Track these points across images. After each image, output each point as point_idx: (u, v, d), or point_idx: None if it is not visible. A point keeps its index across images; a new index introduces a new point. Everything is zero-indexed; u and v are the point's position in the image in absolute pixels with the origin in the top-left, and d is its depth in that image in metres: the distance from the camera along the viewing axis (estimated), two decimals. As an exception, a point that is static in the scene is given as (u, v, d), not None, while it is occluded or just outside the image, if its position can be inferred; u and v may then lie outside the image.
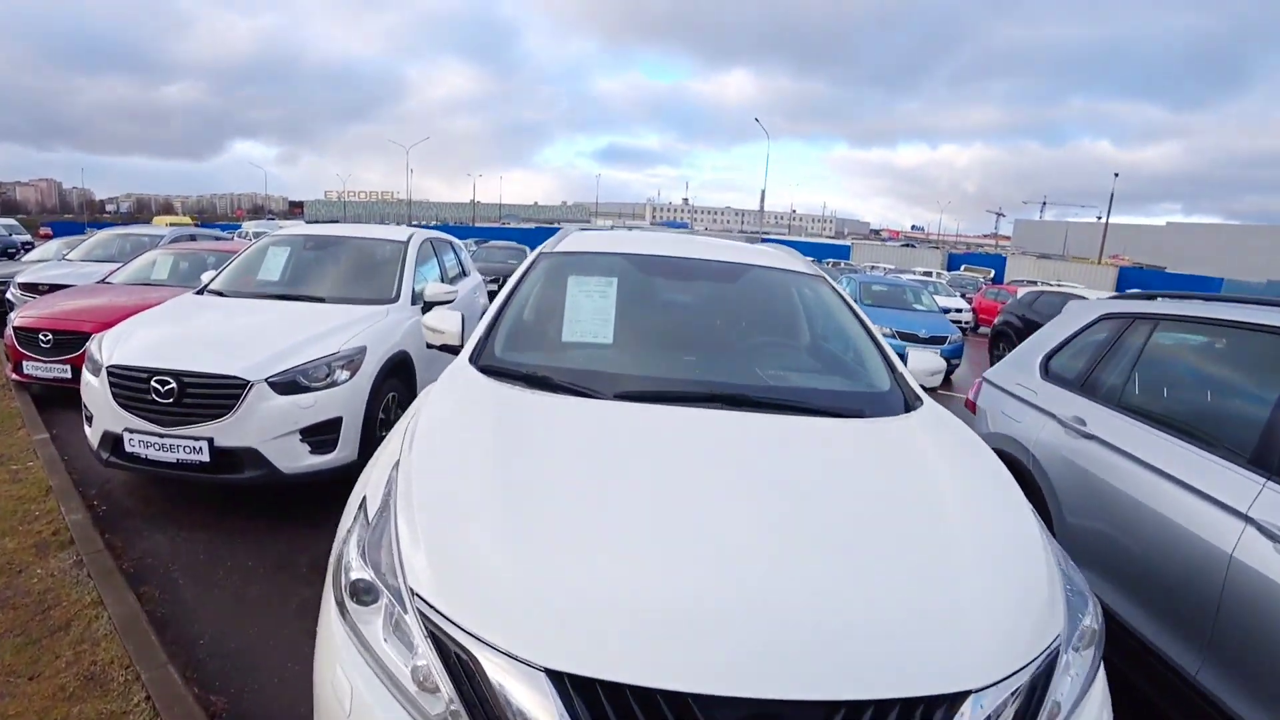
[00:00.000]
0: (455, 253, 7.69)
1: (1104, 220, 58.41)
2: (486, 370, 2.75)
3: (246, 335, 4.57)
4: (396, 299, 5.52)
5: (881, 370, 3.09)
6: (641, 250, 3.76)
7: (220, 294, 5.61)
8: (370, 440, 4.59)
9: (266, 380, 4.17)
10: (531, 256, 3.69)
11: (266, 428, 4.14)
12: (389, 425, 4.97)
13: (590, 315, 3.19)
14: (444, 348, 3.24)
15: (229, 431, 4.09)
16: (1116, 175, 54.06)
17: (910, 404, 2.80)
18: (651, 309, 3.52)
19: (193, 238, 12.29)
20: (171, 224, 23.34)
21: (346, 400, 4.42)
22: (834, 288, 3.76)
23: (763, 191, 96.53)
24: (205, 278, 5.95)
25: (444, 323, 3.25)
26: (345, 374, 4.45)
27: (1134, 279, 44.17)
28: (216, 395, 4.10)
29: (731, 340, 3.39)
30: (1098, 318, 4.54)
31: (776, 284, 3.76)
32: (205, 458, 4.09)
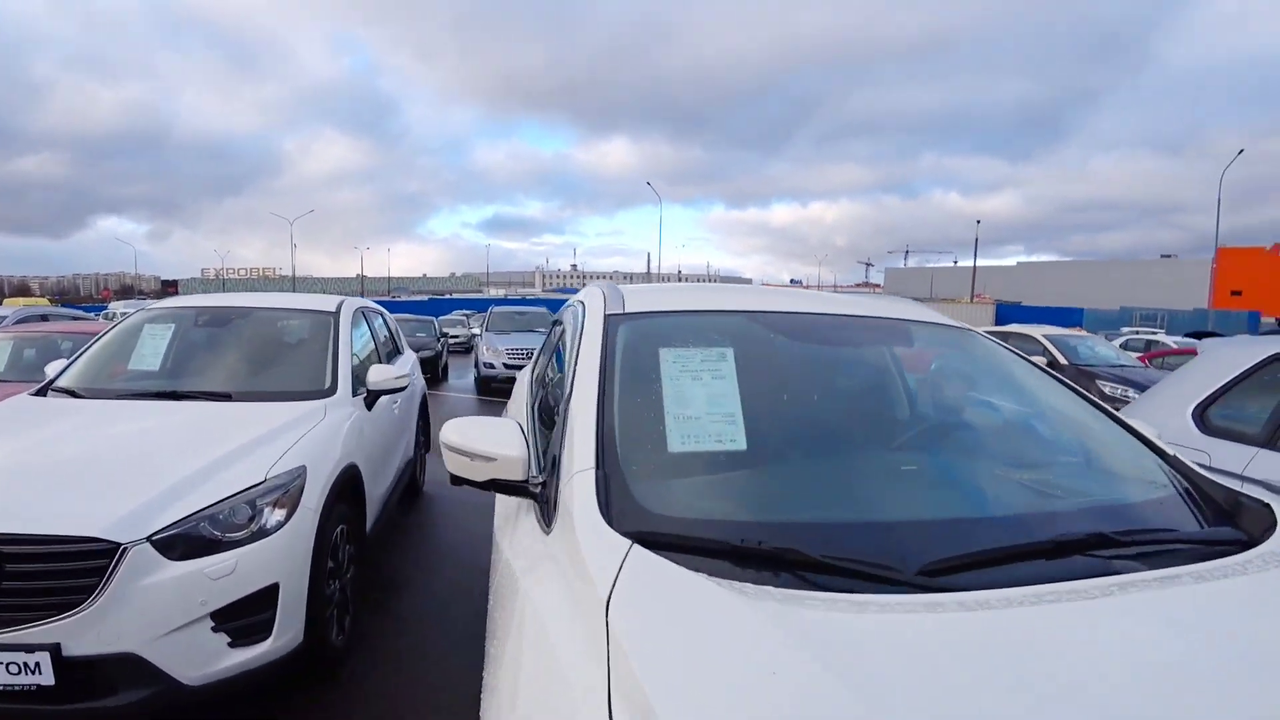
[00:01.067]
0: (386, 323, 6.14)
1: (969, 264, 61.74)
2: (648, 543, 1.40)
3: (113, 462, 2.90)
4: (333, 390, 3.95)
5: (1149, 463, 1.96)
6: (744, 305, 2.48)
7: (73, 393, 3.85)
8: (322, 611, 3.02)
9: (150, 539, 2.52)
10: (587, 322, 2.32)
11: (154, 618, 2.48)
12: (341, 577, 3.37)
13: (707, 406, 1.87)
14: (494, 485, 1.83)
15: (87, 631, 2.40)
16: (979, 222, 57.42)
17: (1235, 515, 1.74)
18: (798, 388, 2.23)
19: (44, 318, 10.11)
20: (25, 305, 19.92)
21: (284, 556, 2.82)
22: (994, 342, 2.55)
23: (649, 255, 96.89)
24: (51, 370, 4.15)
25: (495, 439, 1.84)
26: (279, 514, 2.85)
27: (1007, 314, 46.61)
28: (64, 572, 2.43)
29: (926, 431, 2.16)
30: (1269, 358, 3.62)
31: (934, 343, 2.54)
32: (46, 679, 2.40)
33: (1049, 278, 75.64)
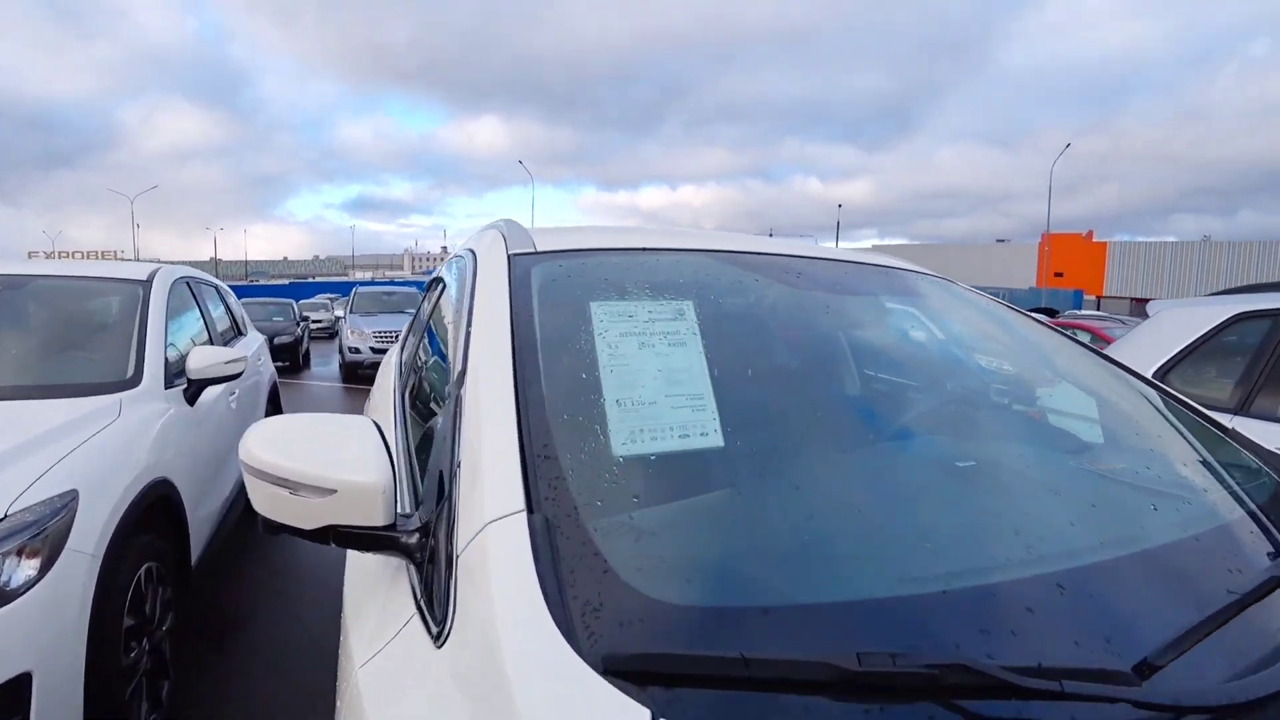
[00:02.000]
0: (223, 299, 5.03)
1: (836, 246, 64.05)
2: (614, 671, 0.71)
3: None
4: (136, 381, 2.94)
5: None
6: (702, 244, 1.79)
7: None
8: (117, 692, 2.11)
9: None
10: (484, 270, 1.54)
11: None
12: (151, 634, 2.43)
13: (659, 386, 1.16)
14: (335, 535, 1.04)
15: None
16: (840, 206, 59.22)
17: None
18: (774, 362, 1.57)
19: None
20: None
21: (38, 628, 1.87)
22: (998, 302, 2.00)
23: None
24: None
25: (335, 453, 1.06)
26: (28, 567, 1.90)
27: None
28: None
29: (997, 419, 1.56)
30: (1231, 318, 3.29)
31: (942, 304, 1.93)
32: None
33: (911, 260, 79.70)
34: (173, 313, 3.58)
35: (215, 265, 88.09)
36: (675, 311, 1.33)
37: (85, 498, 2.10)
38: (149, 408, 2.83)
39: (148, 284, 3.49)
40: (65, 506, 2.03)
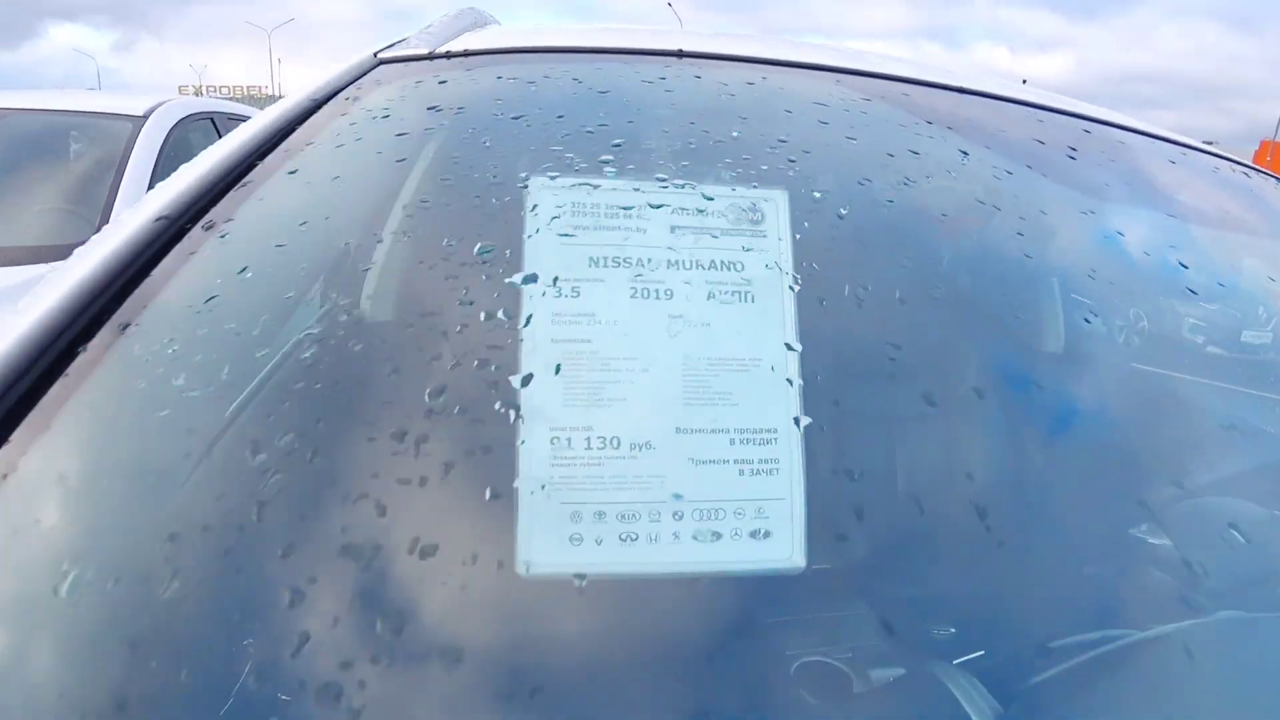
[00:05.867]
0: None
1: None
2: None
3: None
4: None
5: None
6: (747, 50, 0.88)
7: None
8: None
9: None
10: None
11: None
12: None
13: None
14: None
15: None
16: (1025, 82, 52.98)
17: None
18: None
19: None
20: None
21: None
22: None
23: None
24: None
25: None
26: None
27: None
28: None
29: None
30: None
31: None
32: None
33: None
34: (176, 162, 2.97)
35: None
36: (739, 214, 0.52)
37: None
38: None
39: (139, 122, 2.87)
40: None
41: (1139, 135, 0.95)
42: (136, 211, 0.59)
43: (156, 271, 0.54)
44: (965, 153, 0.72)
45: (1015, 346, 0.65)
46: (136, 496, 0.47)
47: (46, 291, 0.51)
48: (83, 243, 0.61)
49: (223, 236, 0.57)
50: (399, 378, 0.51)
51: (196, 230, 0.56)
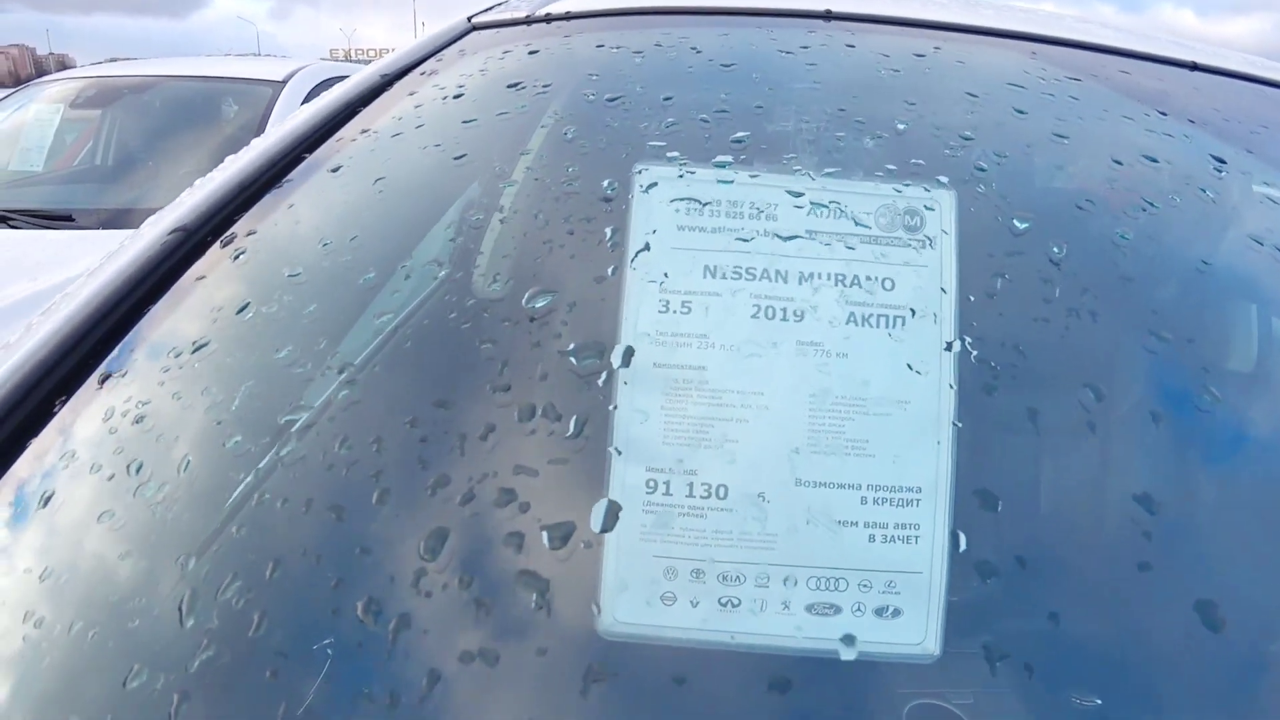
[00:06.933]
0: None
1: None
2: None
3: None
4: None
5: None
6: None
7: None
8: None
9: None
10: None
11: None
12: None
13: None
14: None
15: None
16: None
17: None
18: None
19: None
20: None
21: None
22: None
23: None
24: None
25: None
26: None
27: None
28: None
29: None
30: None
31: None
32: None
33: None
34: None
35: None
36: (893, 218, 0.43)
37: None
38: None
39: (278, 87, 2.98)
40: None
41: None
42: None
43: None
44: (1222, 160, 0.56)
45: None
46: (169, 520, 0.43)
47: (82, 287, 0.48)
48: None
49: (293, 220, 0.53)
50: (474, 401, 0.45)
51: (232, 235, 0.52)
